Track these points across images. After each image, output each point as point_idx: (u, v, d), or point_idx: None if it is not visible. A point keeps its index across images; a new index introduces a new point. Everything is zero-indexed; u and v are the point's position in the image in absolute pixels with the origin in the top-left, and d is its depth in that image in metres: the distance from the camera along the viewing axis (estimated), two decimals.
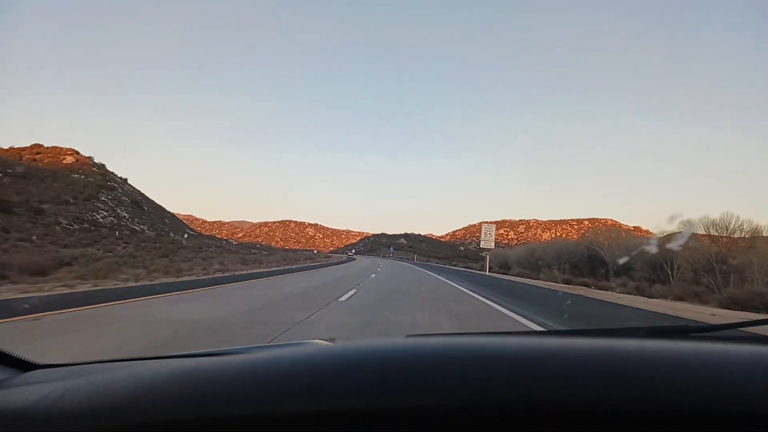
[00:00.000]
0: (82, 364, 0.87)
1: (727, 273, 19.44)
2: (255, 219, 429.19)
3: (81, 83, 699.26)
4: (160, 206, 76.90)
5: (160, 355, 0.95)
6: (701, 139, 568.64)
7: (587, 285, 19.20)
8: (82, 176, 54.92)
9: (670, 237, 24.05)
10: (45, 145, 66.54)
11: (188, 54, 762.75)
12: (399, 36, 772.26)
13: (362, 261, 48.31)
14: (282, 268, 18.13)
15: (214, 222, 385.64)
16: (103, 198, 49.85)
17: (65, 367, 0.84)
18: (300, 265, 22.33)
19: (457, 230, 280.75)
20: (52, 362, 0.87)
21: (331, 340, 0.77)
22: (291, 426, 0.44)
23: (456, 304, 8.62)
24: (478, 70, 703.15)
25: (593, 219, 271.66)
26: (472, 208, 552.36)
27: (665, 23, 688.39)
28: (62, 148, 65.67)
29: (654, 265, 25.02)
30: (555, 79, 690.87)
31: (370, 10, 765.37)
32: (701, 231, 23.12)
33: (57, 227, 31.57)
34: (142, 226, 51.09)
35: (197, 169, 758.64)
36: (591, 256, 34.20)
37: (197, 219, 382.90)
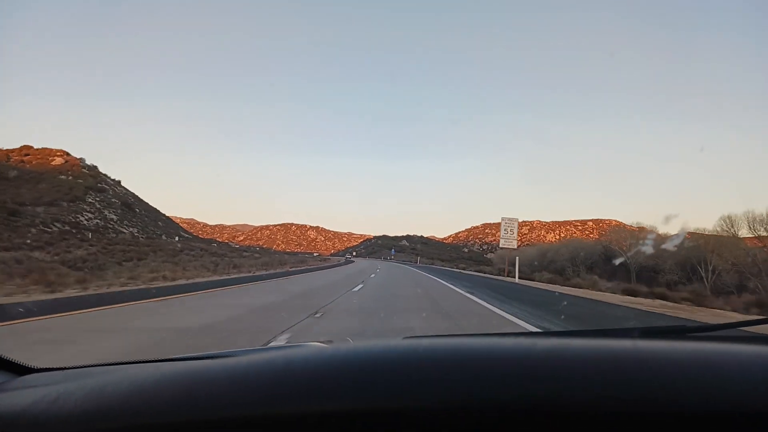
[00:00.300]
0: (79, 367, 0.87)
1: None
2: (257, 222, 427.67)
3: (82, 87, 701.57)
4: (155, 209, 74.86)
5: (155, 358, 0.94)
6: (703, 139, 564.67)
7: (664, 298, 13.89)
8: (70, 177, 52.79)
9: (706, 237, 21.24)
10: (35, 147, 64.74)
11: (189, 59, 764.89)
12: (400, 37, 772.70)
13: (359, 264, 43.51)
14: (253, 274, 15.35)
15: (216, 225, 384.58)
16: (90, 200, 47.68)
17: (62, 371, 0.84)
18: (280, 270, 18.52)
19: (459, 232, 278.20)
20: (49, 366, 0.87)
21: (329, 342, 0.78)
22: (285, 428, 0.44)
23: None
24: (478, 72, 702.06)
25: (597, 220, 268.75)
26: (475, 210, 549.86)
27: (669, 23, 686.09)
28: (52, 150, 63.66)
29: (684, 266, 22.39)
30: (556, 80, 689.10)
31: (370, 12, 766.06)
32: (744, 229, 20.35)
33: (33, 229, 29.28)
34: (131, 229, 48.92)
35: (200, 173, 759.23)
36: (609, 257, 31.60)
37: (199, 223, 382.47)
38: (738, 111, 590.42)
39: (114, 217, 48.59)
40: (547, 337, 0.61)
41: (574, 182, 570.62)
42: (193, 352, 1.08)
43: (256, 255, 36.63)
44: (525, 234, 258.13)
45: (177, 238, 50.03)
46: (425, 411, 0.43)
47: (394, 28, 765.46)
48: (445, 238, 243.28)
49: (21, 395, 0.63)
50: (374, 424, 0.43)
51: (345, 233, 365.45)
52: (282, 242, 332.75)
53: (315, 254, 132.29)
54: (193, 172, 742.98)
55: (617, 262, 29.48)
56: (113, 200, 54.55)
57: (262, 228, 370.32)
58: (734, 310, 11.44)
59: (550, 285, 19.63)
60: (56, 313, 5.69)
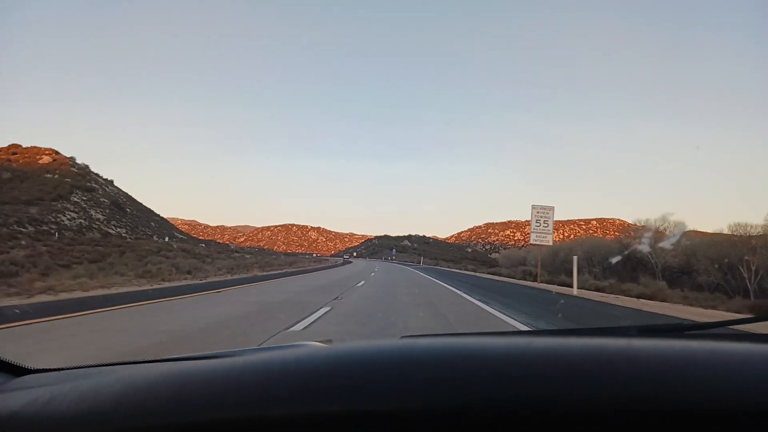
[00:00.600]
0: (75, 368, 0.87)
1: None
2: (259, 224, 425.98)
3: (83, 90, 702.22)
4: (149, 209, 72.70)
5: (150, 359, 0.93)
6: (704, 137, 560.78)
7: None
8: (56, 176, 50.55)
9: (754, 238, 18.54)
10: (23, 146, 62.65)
11: (192, 62, 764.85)
12: (401, 39, 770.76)
13: (356, 265, 39.58)
14: (222, 279, 13.03)
15: (217, 227, 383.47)
16: (75, 199, 45.40)
17: (58, 372, 0.84)
18: (262, 274, 16.14)
19: (462, 232, 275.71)
20: (45, 367, 0.87)
21: (328, 341, 0.78)
22: (281, 429, 0.44)
23: None
24: (476, 72, 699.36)
25: (600, 219, 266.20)
26: (477, 210, 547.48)
27: (669, 23, 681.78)
28: (40, 148, 61.53)
29: (721, 267, 19.78)
30: (556, 80, 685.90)
31: (372, 14, 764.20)
32: None
33: (5, 229, 26.98)
34: (119, 229, 46.60)
35: (202, 176, 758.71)
36: (629, 258, 29.05)
37: (200, 224, 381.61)
38: (739, 110, 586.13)
39: (101, 216, 46.30)
40: (544, 335, 0.61)
41: (574, 182, 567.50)
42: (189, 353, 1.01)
43: (247, 256, 34.32)
44: (528, 233, 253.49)
45: (167, 239, 47.72)
46: (423, 411, 0.43)
47: (396, 30, 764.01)
48: (447, 238, 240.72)
49: (15, 396, 0.62)
50: (371, 424, 0.43)
51: (346, 234, 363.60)
52: (283, 243, 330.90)
53: (314, 255, 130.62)
54: (195, 174, 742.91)
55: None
56: (102, 200, 52.29)
57: (263, 229, 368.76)
58: None
59: (611, 297, 13.69)
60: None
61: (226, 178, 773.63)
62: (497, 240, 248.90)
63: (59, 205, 40.83)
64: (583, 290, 16.01)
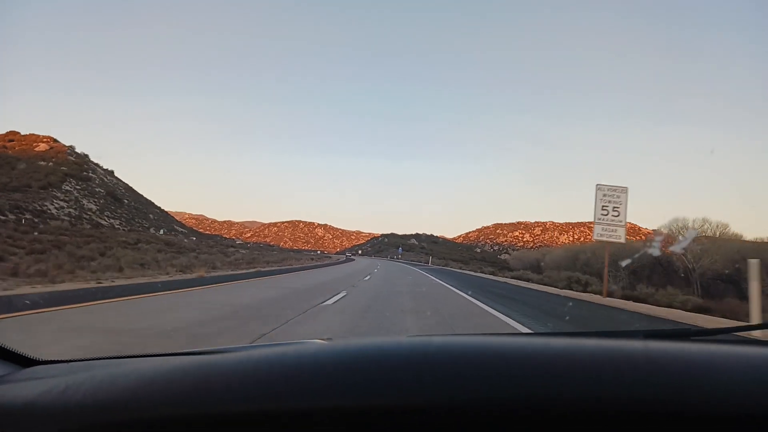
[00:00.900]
0: (84, 360, 0.87)
1: None
2: (266, 220, 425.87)
3: (93, 84, 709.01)
4: (149, 202, 71.04)
5: (162, 352, 0.94)
6: (714, 141, 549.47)
7: None
8: (50, 164, 48.79)
9: None
10: (21, 133, 61.22)
11: (199, 58, 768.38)
12: (414, 36, 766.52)
13: (354, 265, 35.58)
14: (192, 277, 10.75)
15: (224, 222, 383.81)
16: (67, 187, 43.54)
17: (67, 363, 0.84)
18: (224, 274, 13.19)
19: (470, 232, 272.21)
20: (53, 358, 0.87)
21: (329, 339, 0.79)
22: (291, 423, 0.44)
23: None
24: (484, 74, 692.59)
25: None
26: (485, 211, 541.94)
27: (671, 23, 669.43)
28: (38, 136, 59.96)
29: None
30: (568, 81, 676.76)
31: (375, 15, 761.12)
32: None
33: None
34: (112, 220, 44.66)
35: (211, 171, 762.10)
36: (659, 262, 26.19)
37: (208, 219, 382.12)
38: (742, 111, 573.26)
39: (93, 206, 44.45)
40: (554, 337, 0.61)
41: (584, 184, 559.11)
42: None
43: (243, 251, 32.05)
44: (537, 235, 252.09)
45: (162, 231, 45.78)
46: (430, 409, 0.43)
47: (407, 28, 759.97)
48: (455, 238, 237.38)
49: (27, 386, 0.63)
50: (383, 420, 0.43)
51: (353, 232, 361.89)
52: (290, 239, 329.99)
53: (318, 252, 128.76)
54: (204, 169, 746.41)
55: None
56: (98, 190, 50.50)
57: (270, 225, 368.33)
58: None
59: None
60: None
61: (234, 174, 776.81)
62: (506, 241, 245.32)
63: (47, 193, 38.88)
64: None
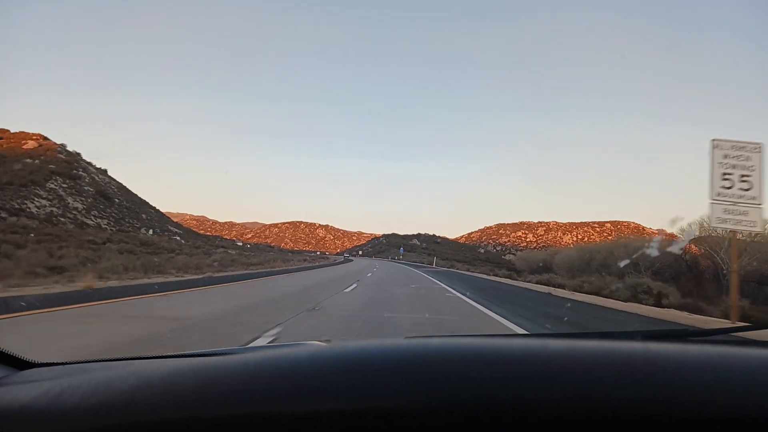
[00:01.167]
0: (80, 362, 0.87)
1: None
2: (267, 221, 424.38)
3: (92, 83, 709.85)
4: (144, 201, 69.20)
5: (159, 354, 0.92)
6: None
7: None
8: (37, 161, 46.90)
9: None
10: (11, 131, 59.42)
11: (199, 58, 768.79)
12: (414, 37, 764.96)
13: (354, 265, 33.85)
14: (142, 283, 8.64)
15: (225, 223, 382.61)
16: (51, 185, 41.62)
17: (63, 366, 0.84)
18: (185, 278, 11.28)
19: (472, 232, 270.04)
20: (49, 361, 0.86)
21: (327, 341, 0.78)
22: (289, 426, 0.44)
23: None
24: (484, 74, 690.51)
25: (615, 222, 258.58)
26: (486, 211, 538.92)
27: (680, 23, 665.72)
28: (28, 133, 58.16)
29: None
30: (569, 81, 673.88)
31: (376, 15, 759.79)
32: None
33: None
34: (99, 220, 42.73)
35: (212, 172, 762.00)
36: (683, 262, 23.91)
37: (209, 220, 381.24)
38: (743, 110, 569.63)
39: (79, 205, 42.53)
40: (552, 338, 0.61)
41: (588, 184, 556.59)
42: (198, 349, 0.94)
43: (231, 251, 30.03)
44: (541, 235, 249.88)
45: (151, 231, 43.81)
46: (429, 410, 0.43)
47: (408, 29, 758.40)
48: (457, 239, 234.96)
49: (24, 389, 0.61)
50: (381, 423, 0.43)
51: (354, 232, 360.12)
52: (291, 240, 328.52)
53: (318, 252, 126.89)
54: (206, 171, 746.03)
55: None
56: (87, 188, 48.59)
57: (271, 226, 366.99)
58: None
59: None
60: None
61: (236, 176, 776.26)
62: (508, 241, 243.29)
63: (28, 191, 36.94)
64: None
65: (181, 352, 0.90)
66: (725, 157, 8.26)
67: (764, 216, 8.43)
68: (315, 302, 8.26)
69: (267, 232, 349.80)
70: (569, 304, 11.69)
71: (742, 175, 8.15)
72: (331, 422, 0.44)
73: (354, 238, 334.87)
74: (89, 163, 63.03)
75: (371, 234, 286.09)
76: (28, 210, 33.60)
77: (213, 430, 0.46)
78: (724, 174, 8.21)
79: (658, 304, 11.87)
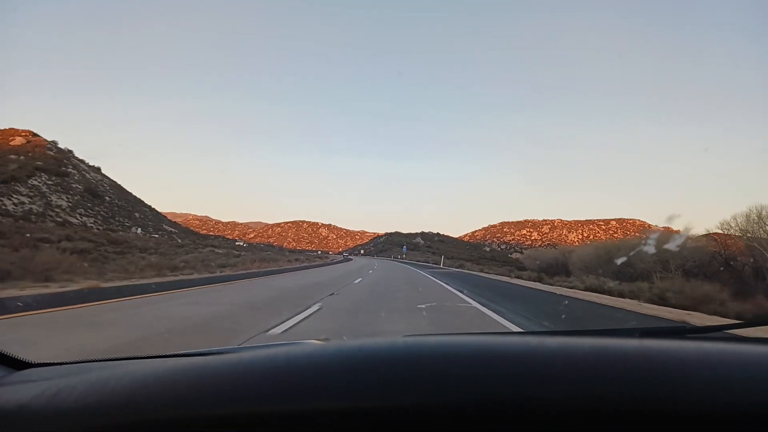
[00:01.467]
0: (77, 363, 0.87)
1: None
2: (271, 220, 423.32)
3: (95, 84, 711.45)
4: (138, 200, 67.19)
5: (156, 354, 0.93)
6: (724, 136, 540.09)
7: None
8: (22, 158, 44.89)
9: None
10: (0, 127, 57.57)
11: (203, 59, 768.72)
12: (416, 36, 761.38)
13: (351, 265, 30.82)
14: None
15: (228, 223, 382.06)
16: (34, 182, 39.56)
17: (60, 366, 0.84)
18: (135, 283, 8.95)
19: (476, 231, 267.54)
20: (46, 361, 0.87)
21: (326, 340, 0.78)
22: (285, 425, 0.44)
23: None
24: (480, 74, 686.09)
25: (620, 219, 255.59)
26: (489, 209, 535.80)
27: (680, 22, 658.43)
28: (17, 130, 56.23)
29: None
30: (569, 81, 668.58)
31: (379, 14, 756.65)
32: None
33: None
34: (85, 218, 40.61)
35: (215, 172, 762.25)
36: (720, 259, 21.45)
37: (212, 220, 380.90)
38: (744, 109, 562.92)
39: (63, 203, 40.44)
40: (550, 336, 0.61)
41: (585, 182, 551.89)
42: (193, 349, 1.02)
43: (218, 251, 27.88)
44: (545, 233, 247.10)
45: (139, 230, 41.68)
46: (428, 409, 0.43)
47: (410, 29, 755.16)
48: (460, 237, 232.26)
49: (20, 390, 0.62)
50: (378, 421, 0.43)
51: (357, 231, 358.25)
52: (293, 240, 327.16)
53: (319, 252, 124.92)
54: (209, 171, 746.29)
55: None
56: (75, 186, 46.53)
57: (273, 226, 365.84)
58: None
59: None
60: None
61: (240, 176, 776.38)
62: (513, 239, 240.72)
63: (7, 188, 34.85)
64: None
65: (178, 352, 0.89)
66: None
67: None
68: (262, 329, 5.20)
69: (270, 232, 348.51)
70: None
71: None
72: (328, 421, 0.43)
73: (357, 237, 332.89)
74: (81, 161, 61.06)
75: (374, 233, 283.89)
76: (3, 207, 31.55)
77: (209, 429, 0.45)
78: None
79: None
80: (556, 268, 34.32)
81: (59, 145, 57.92)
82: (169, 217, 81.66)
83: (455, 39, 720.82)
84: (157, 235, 44.79)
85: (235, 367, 0.51)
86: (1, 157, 43.02)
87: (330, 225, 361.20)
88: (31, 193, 37.44)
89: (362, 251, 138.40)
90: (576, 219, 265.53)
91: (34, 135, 56.75)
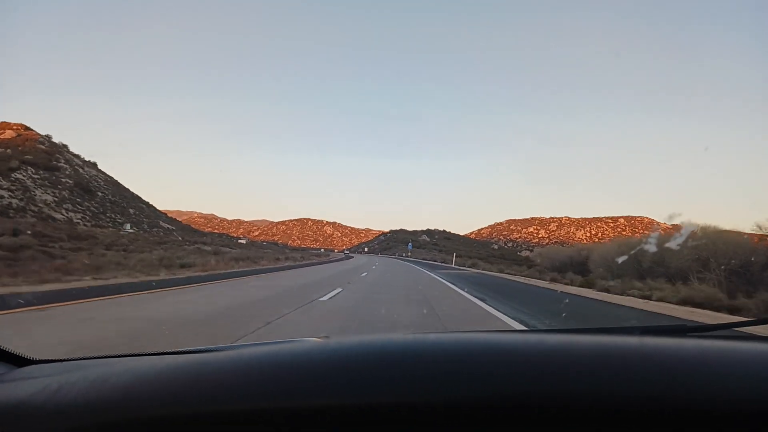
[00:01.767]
0: (78, 359, 0.87)
1: None
2: (276, 218, 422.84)
3: (103, 85, 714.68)
4: (135, 196, 65.36)
5: (156, 351, 0.93)
6: (725, 136, 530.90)
7: None
8: (8, 150, 42.99)
9: None
10: None
11: (207, 58, 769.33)
12: (421, 35, 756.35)
13: (347, 264, 27.69)
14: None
15: (233, 221, 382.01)
16: (19, 176, 37.62)
17: (61, 363, 0.84)
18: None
19: (482, 228, 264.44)
20: (47, 357, 0.87)
21: (326, 337, 0.78)
22: (284, 422, 0.44)
23: None
24: (484, 70, 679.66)
25: (628, 217, 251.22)
26: (495, 207, 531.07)
27: (680, 21, 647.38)
28: (9, 123, 54.47)
29: None
30: (570, 78, 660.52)
31: (380, 14, 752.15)
32: None
33: None
34: (71, 213, 38.64)
35: (221, 171, 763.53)
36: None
37: (217, 217, 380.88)
38: (748, 106, 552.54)
39: (49, 197, 38.48)
40: (550, 333, 0.61)
41: (590, 180, 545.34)
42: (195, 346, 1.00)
43: (206, 248, 25.72)
44: (553, 231, 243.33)
45: (128, 226, 39.64)
46: (427, 406, 0.43)
47: (417, 28, 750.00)
48: (466, 235, 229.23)
49: (21, 386, 0.62)
50: (376, 419, 0.43)
51: (362, 229, 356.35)
52: (298, 238, 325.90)
53: (322, 249, 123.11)
54: (214, 169, 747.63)
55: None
56: (64, 180, 44.62)
57: (278, 223, 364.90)
58: None
59: None
60: None
61: (245, 175, 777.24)
62: (519, 237, 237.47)
63: None
64: None
65: (177, 349, 0.89)
66: None
67: None
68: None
69: (275, 230, 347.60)
70: None
71: None
72: (327, 418, 0.43)
73: (362, 234, 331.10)
74: (76, 156, 59.24)
75: (379, 231, 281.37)
76: None
77: (208, 425, 0.45)
78: None
79: None
80: (572, 267, 31.81)
81: (53, 140, 56.29)
82: (174, 215, 79.86)
83: (455, 39, 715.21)
84: (148, 231, 42.76)
85: (234, 364, 0.51)
86: None
87: (335, 223, 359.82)
88: (13, 187, 35.56)
89: (366, 249, 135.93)
90: (583, 216, 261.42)
91: (26, 129, 55.01)
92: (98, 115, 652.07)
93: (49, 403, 0.52)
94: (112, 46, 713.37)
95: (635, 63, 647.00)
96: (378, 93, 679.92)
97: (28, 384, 0.61)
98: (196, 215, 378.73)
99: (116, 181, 64.66)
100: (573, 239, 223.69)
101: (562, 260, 42.81)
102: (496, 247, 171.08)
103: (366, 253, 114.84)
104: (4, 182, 35.27)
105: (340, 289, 10.27)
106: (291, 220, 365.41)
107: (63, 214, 37.13)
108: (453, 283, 14.33)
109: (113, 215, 47.33)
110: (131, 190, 67.12)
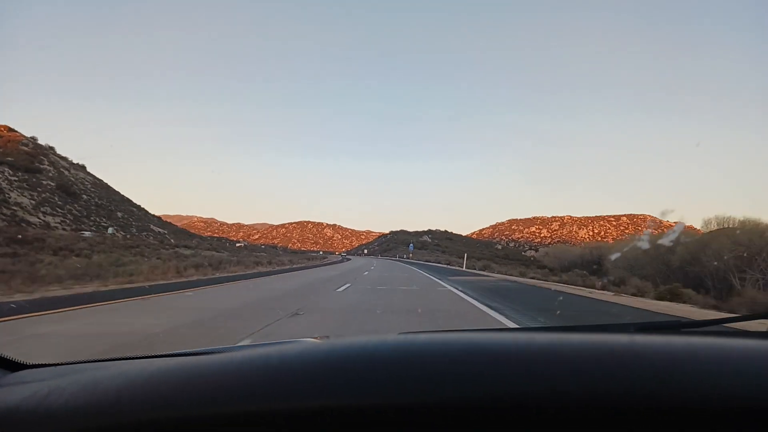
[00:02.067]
0: (71, 363, 0.87)
1: None
2: (276, 221, 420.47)
3: (103, 90, 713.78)
4: (126, 199, 63.15)
5: (147, 354, 0.93)
6: (726, 135, 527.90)
7: None
8: None
9: None
10: None
11: (206, 63, 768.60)
12: (417, 39, 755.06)
13: (340, 267, 24.98)
14: None
15: (233, 224, 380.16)
16: None
17: (53, 367, 0.84)
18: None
19: (483, 229, 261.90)
20: (40, 362, 0.87)
21: (324, 338, 0.77)
22: (278, 423, 0.44)
23: None
24: (483, 71, 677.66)
25: (630, 215, 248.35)
26: (496, 207, 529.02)
27: (679, 20, 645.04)
28: None
29: None
30: (572, 78, 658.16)
31: (381, 13, 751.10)
32: None
33: None
34: (49, 217, 36.36)
35: (220, 175, 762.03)
36: None
37: (217, 221, 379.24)
38: (743, 105, 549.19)
39: (25, 200, 36.26)
40: (545, 332, 0.61)
41: (589, 180, 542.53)
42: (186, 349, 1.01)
43: (186, 251, 23.44)
44: (555, 230, 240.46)
45: (111, 230, 37.34)
46: (423, 406, 0.43)
47: (416, 30, 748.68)
48: (469, 235, 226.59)
49: (12, 391, 0.61)
50: (370, 420, 0.43)
51: (363, 231, 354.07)
52: (298, 240, 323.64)
53: (320, 252, 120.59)
54: (214, 173, 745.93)
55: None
56: (45, 183, 42.40)
57: (278, 226, 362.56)
58: None
59: None
60: None
61: (245, 179, 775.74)
62: (521, 237, 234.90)
63: None
64: None
65: (170, 352, 0.89)
66: None
67: None
68: None
69: (274, 233, 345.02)
70: None
71: None
72: (321, 419, 0.43)
73: (362, 236, 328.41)
74: (63, 158, 57.11)
75: (380, 232, 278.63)
76: None
77: (200, 429, 0.45)
78: None
79: None
80: (583, 267, 29.53)
81: (39, 142, 54.12)
82: (174, 219, 77.51)
83: (455, 39, 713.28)
84: (136, 236, 40.45)
85: (226, 366, 0.51)
86: None
87: (335, 225, 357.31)
88: None
89: (365, 251, 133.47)
90: (585, 215, 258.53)
91: (10, 130, 52.88)
92: (99, 119, 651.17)
93: (40, 408, 0.52)
94: (121, 50, 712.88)
95: (635, 63, 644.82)
96: (378, 94, 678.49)
97: (21, 389, 0.60)
98: (196, 219, 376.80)
99: (106, 184, 62.51)
100: (575, 238, 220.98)
101: (572, 260, 40.43)
102: (499, 247, 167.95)
103: (365, 255, 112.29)
104: None
105: (331, 296, 7.84)
106: (291, 223, 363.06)
107: (39, 218, 34.90)
108: (502, 308, 7.64)
109: (97, 219, 45.09)
110: (122, 193, 65.10)
